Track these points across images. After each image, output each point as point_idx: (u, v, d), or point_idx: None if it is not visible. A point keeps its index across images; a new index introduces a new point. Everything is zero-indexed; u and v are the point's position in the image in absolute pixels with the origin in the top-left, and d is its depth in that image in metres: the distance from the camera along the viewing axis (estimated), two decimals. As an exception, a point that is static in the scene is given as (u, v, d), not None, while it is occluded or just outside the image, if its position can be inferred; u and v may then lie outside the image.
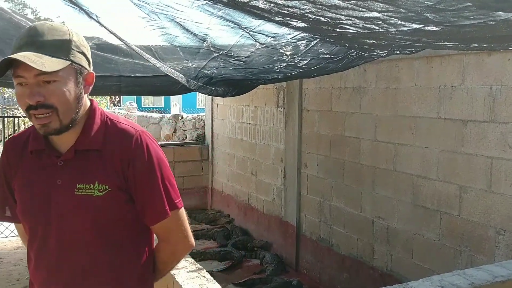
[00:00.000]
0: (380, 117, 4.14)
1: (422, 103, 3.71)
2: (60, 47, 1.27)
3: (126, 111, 9.25)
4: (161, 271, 1.54)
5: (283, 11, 1.60)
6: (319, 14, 1.56)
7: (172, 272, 2.24)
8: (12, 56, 1.21)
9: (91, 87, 1.38)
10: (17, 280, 4.58)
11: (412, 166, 3.82)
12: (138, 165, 1.37)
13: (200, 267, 2.31)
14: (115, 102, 16.11)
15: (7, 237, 6.29)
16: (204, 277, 2.19)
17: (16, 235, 6.31)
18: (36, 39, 1.26)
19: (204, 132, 8.01)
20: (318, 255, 5.06)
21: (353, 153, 4.47)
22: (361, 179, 4.38)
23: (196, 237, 6.31)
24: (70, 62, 1.28)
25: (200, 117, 8.54)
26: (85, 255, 1.36)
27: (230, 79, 3.02)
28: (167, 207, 1.41)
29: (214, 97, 7.27)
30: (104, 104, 9.79)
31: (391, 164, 4.02)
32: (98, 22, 2.16)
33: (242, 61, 2.65)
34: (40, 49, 1.25)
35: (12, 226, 6.42)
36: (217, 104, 7.51)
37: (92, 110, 1.40)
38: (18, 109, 10.58)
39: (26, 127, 8.44)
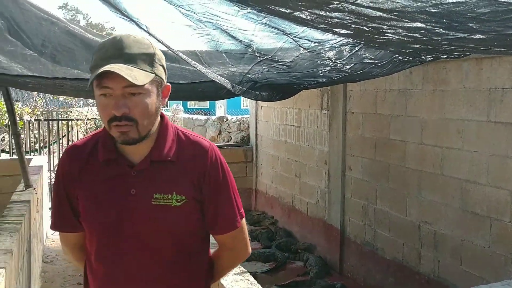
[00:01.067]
0: (426, 120, 4.06)
1: (471, 106, 3.61)
2: (146, 60, 1.28)
3: (173, 114, 9.47)
4: (218, 277, 1.59)
5: (326, 21, 1.62)
6: (361, 24, 1.57)
7: (217, 274, 2.29)
8: (106, 68, 1.22)
9: (166, 99, 1.40)
10: (71, 277, 4.81)
11: (460, 170, 3.72)
12: (213, 178, 1.41)
13: (244, 270, 2.36)
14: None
15: (61, 234, 6.59)
16: (248, 280, 2.24)
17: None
18: (123, 52, 1.26)
19: (249, 134, 8.10)
20: (362, 259, 5.01)
21: (398, 156, 4.41)
22: (407, 182, 4.30)
23: (240, 238, 6.39)
24: (154, 75, 1.29)
25: (244, 119, 8.63)
26: (161, 263, 1.38)
27: (275, 83, 3.06)
28: (238, 217, 1.46)
29: (253, 99, 7.33)
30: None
31: (438, 168, 3.93)
32: (148, 32, 2.25)
33: (286, 66, 2.68)
34: (128, 61, 1.25)
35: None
36: (261, 106, 7.57)
37: (164, 122, 1.42)
38: (71, 112, 11.03)
39: (78, 129, 8.81)
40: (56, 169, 1.53)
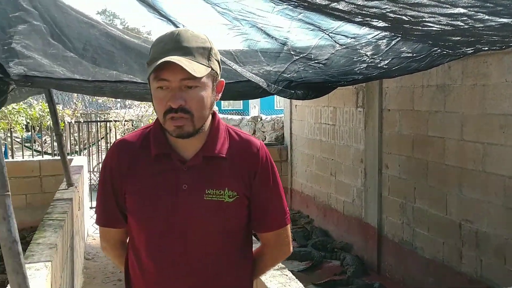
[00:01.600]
0: (466, 116, 3.95)
1: (514, 100, 3.50)
2: (203, 54, 1.29)
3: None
4: (258, 275, 1.60)
5: (363, 11, 1.61)
6: (400, 13, 1.55)
7: (255, 270, 2.31)
8: (166, 59, 1.23)
9: (220, 95, 1.41)
10: (112, 274, 4.94)
11: (503, 166, 3.60)
12: (264, 176, 1.42)
13: (283, 266, 2.36)
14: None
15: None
16: (287, 275, 2.25)
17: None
18: (182, 45, 1.28)
19: (283, 133, 8.09)
20: (401, 258, 4.92)
21: (437, 153, 4.31)
22: (446, 180, 4.20)
23: (276, 237, 6.40)
24: (211, 68, 1.30)
25: (278, 118, 8.63)
26: (214, 258, 1.39)
27: (310, 82, 3.05)
28: (287, 215, 1.49)
29: (289, 98, 7.33)
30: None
31: (480, 164, 3.82)
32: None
33: (322, 64, 2.66)
34: (187, 54, 1.27)
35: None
36: (296, 105, 7.55)
37: (216, 118, 1.43)
38: (109, 114, 11.31)
39: (116, 130, 9.03)
40: (103, 163, 1.48)
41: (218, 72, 1.35)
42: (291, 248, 1.56)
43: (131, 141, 1.44)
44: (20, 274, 1.55)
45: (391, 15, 1.58)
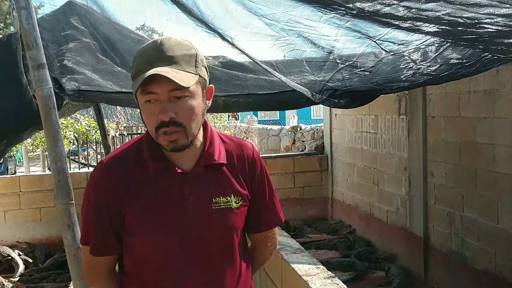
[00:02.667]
0: (517, 121, 3.83)
1: None
2: (189, 61, 1.26)
3: (247, 125, 9.64)
4: (253, 274, 1.60)
5: (416, 15, 1.60)
6: (456, 15, 1.54)
7: (305, 278, 2.31)
8: (153, 71, 1.18)
9: (210, 102, 1.37)
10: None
11: (558, 173, 3.46)
12: (260, 177, 1.45)
13: (333, 274, 2.35)
14: (236, 117, 16.90)
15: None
16: (337, 284, 2.23)
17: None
18: (167, 54, 1.23)
19: (323, 143, 8.05)
20: (449, 269, 4.78)
21: (486, 160, 4.18)
22: (497, 188, 4.07)
23: (318, 247, 6.36)
24: (198, 76, 1.27)
25: (318, 127, 8.60)
26: (225, 265, 1.38)
27: (354, 90, 3.04)
28: (281, 213, 1.52)
29: (332, 107, 7.30)
30: (224, 119, 10.33)
31: (533, 171, 3.69)
32: (233, 44, 2.34)
33: (367, 72, 2.66)
34: (173, 64, 1.22)
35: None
36: (336, 114, 7.51)
37: (207, 125, 1.40)
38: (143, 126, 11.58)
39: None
40: (91, 186, 1.35)
41: (207, 78, 1.33)
42: (277, 247, 1.61)
43: (122, 158, 1.36)
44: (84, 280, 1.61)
45: (446, 17, 1.57)
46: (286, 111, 23.22)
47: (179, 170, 1.33)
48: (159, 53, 1.24)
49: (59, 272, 5.24)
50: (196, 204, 1.32)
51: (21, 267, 5.42)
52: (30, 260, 5.69)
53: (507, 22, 1.61)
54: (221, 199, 1.34)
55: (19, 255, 5.67)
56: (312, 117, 23.60)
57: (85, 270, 1.44)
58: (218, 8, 2.15)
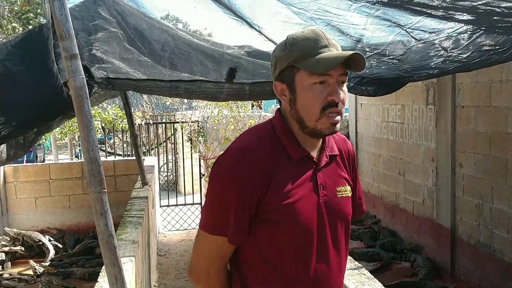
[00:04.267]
0: (551, 111, 3.72)
1: None
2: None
3: (272, 114, 9.63)
4: None
5: (451, 5, 1.57)
6: (493, 5, 1.50)
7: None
8: (351, 52, 1.23)
9: None
10: (184, 270, 5.10)
11: None
12: (355, 165, 1.50)
13: (360, 265, 2.35)
14: (260, 106, 16.95)
15: (169, 230, 7.02)
16: (365, 274, 2.23)
17: (178, 229, 7.01)
18: (333, 42, 1.29)
19: (348, 133, 7.98)
20: (477, 261, 4.71)
21: (518, 151, 4.08)
22: (529, 179, 3.97)
23: (343, 237, 6.33)
24: None
25: (343, 117, 8.53)
26: (346, 250, 1.42)
27: (382, 78, 3.00)
28: (364, 205, 1.58)
29: (358, 96, 7.21)
30: (248, 108, 10.32)
31: None
32: (260, 32, 2.33)
33: (396, 59, 2.62)
34: (340, 50, 1.29)
35: (173, 221, 7.14)
36: (361, 104, 7.43)
37: None
38: (175, 116, 11.66)
39: (183, 131, 9.30)
40: (226, 174, 1.29)
41: None
42: None
43: (257, 148, 1.31)
44: (117, 267, 1.65)
45: (483, 7, 1.53)
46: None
47: (312, 158, 1.35)
48: (328, 40, 1.28)
49: (88, 257, 5.38)
50: (328, 193, 1.35)
51: (52, 252, 5.57)
52: (60, 246, 5.85)
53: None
54: (342, 188, 1.39)
55: (49, 240, 5.83)
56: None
57: (201, 263, 1.37)
58: (246, -2, 2.14)
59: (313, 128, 1.29)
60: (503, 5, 1.50)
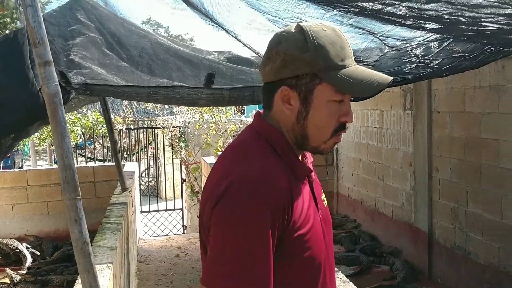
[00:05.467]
0: (522, 116, 3.82)
1: None
2: None
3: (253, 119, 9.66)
4: None
5: (418, 14, 1.62)
6: (457, 14, 1.55)
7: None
8: (385, 78, 1.11)
9: None
10: (164, 276, 5.08)
11: None
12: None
13: (336, 269, 2.37)
14: (242, 111, 16.97)
15: (150, 236, 6.99)
16: (340, 278, 2.26)
17: (159, 235, 6.99)
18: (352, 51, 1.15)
19: (328, 137, 8.06)
20: (453, 264, 4.80)
21: (491, 156, 4.18)
22: (502, 183, 4.07)
23: (323, 242, 6.38)
24: None
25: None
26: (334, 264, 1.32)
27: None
28: None
29: (337, 102, 7.29)
30: (230, 113, 10.35)
31: (537, 167, 3.69)
32: (237, 38, 2.36)
33: (370, 65, 2.67)
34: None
35: (154, 226, 7.12)
36: (341, 109, 7.51)
37: None
38: (156, 121, 11.62)
39: (164, 136, 9.28)
40: (249, 210, 1.01)
41: None
42: None
43: (271, 177, 1.07)
44: (91, 274, 1.65)
45: (447, 17, 1.58)
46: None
47: (309, 173, 1.21)
48: (350, 48, 1.12)
49: (66, 265, 5.32)
50: (321, 206, 1.23)
51: (29, 260, 5.49)
52: (38, 253, 5.77)
53: (508, 21, 1.62)
54: (323, 196, 1.28)
55: (27, 248, 5.75)
56: (318, 112, 23.55)
57: None
58: (222, 4, 2.17)
59: (316, 147, 1.15)
60: (466, 15, 1.56)
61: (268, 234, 1.01)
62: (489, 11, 1.51)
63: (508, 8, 1.46)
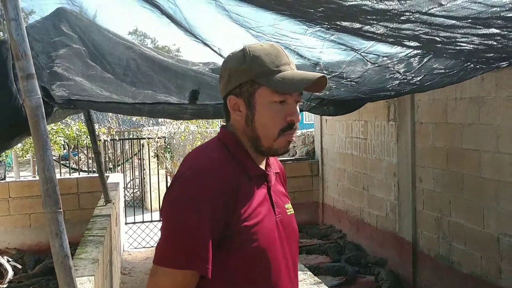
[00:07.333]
0: (502, 128, 3.90)
1: (551, 111, 3.44)
2: None
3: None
4: None
5: (396, 33, 1.65)
6: (433, 34, 1.59)
7: (292, 285, 2.34)
8: (320, 74, 1.23)
9: None
10: (148, 288, 5.02)
11: (542, 179, 3.53)
12: (286, 180, 1.47)
13: (319, 280, 2.39)
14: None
15: (135, 248, 6.92)
16: (322, 290, 2.27)
17: (144, 247, 6.92)
18: (291, 59, 1.27)
19: (314, 148, 8.10)
20: (437, 273, 4.84)
21: (472, 166, 4.25)
22: (483, 193, 4.13)
23: (309, 252, 6.40)
24: None
25: (309, 133, 8.65)
26: (297, 271, 1.36)
27: (342, 99, 3.09)
28: None
29: (321, 115, 7.35)
30: (216, 124, 10.35)
31: (517, 177, 3.75)
32: (220, 54, 2.37)
33: (354, 82, 2.70)
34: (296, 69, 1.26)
35: (139, 238, 7.04)
36: (326, 119, 7.57)
37: None
38: (141, 131, 11.55)
39: (150, 147, 9.23)
40: (186, 198, 1.16)
41: None
42: None
43: (218, 167, 1.21)
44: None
45: (424, 36, 1.62)
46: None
47: (266, 176, 1.30)
48: (286, 56, 1.26)
49: (49, 278, 5.23)
50: (280, 211, 1.30)
51: (10, 273, 5.40)
52: (19, 266, 5.67)
53: (482, 41, 1.66)
54: (288, 205, 1.34)
55: (8, 261, 5.64)
56: (305, 121, 23.66)
57: None
58: (205, 21, 2.19)
59: (269, 147, 1.25)
60: (441, 35, 1.60)
61: (202, 220, 1.14)
62: (463, 32, 1.56)
63: (481, 28, 1.51)
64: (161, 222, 1.23)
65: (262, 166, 1.30)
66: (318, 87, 1.25)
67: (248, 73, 1.23)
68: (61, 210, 1.73)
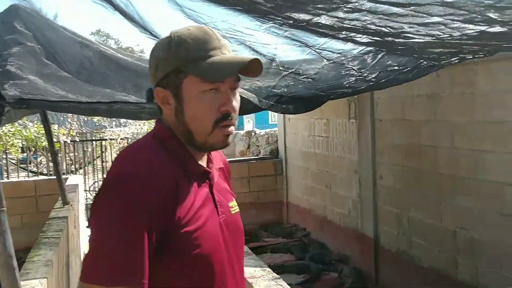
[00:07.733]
0: (457, 124, 4.01)
1: (503, 107, 3.55)
2: None
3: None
4: None
5: (344, 25, 1.66)
6: (380, 24, 1.61)
7: (250, 280, 2.33)
8: (251, 57, 1.10)
9: None
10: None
11: (497, 173, 3.64)
12: (229, 181, 1.36)
13: (278, 276, 2.38)
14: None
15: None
16: (281, 285, 2.27)
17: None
18: (224, 41, 1.15)
19: (277, 147, 8.14)
20: (398, 268, 4.94)
21: (430, 162, 4.35)
22: (440, 188, 4.24)
23: (273, 251, 6.41)
24: None
25: (273, 132, 8.69)
26: (242, 272, 1.27)
27: (300, 96, 3.11)
28: None
29: (280, 113, 7.39)
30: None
31: (472, 172, 3.87)
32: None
33: (311, 78, 2.72)
34: (231, 52, 1.15)
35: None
36: (289, 118, 7.61)
37: None
38: (104, 133, 11.32)
39: (112, 149, 9.06)
40: (120, 202, 1.04)
41: None
42: None
43: (153, 168, 1.09)
44: (15, 290, 1.58)
45: (372, 27, 1.64)
46: (243, 116, 23.26)
47: (207, 174, 1.19)
48: (217, 39, 1.12)
49: None
50: (224, 211, 1.20)
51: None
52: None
53: (427, 31, 1.70)
54: (232, 203, 1.25)
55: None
56: (270, 122, 23.77)
57: None
58: (159, 16, 2.15)
59: (204, 142, 1.14)
60: (389, 25, 1.62)
61: (137, 229, 1.02)
62: (408, 21, 1.58)
63: (424, 16, 1.53)
64: (89, 233, 1.08)
65: (203, 163, 1.19)
66: (254, 71, 1.13)
67: (173, 61, 1.10)
68: (5, 209, 1.67)
